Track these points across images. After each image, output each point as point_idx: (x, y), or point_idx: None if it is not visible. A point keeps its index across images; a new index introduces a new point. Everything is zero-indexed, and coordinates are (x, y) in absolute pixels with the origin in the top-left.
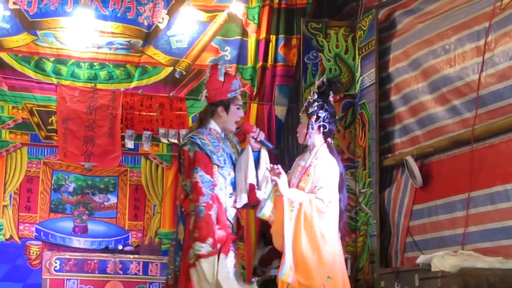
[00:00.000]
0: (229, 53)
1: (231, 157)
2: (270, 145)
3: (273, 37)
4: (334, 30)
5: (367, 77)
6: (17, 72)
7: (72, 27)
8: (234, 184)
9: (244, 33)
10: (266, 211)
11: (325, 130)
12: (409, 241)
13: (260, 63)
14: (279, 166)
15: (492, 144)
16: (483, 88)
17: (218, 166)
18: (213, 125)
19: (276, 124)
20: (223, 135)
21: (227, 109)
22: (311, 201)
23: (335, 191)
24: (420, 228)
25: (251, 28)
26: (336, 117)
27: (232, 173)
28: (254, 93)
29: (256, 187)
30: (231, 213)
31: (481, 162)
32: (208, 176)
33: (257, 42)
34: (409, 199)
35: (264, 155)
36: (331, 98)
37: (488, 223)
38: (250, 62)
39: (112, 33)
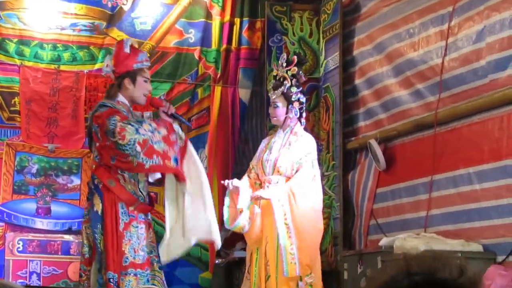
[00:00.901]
0: (193, 35)
1: None
2: (182, 119)
3: (237, 20)
4: (298, 13)
5: (331, 60)
6: None
7: (35, 8)
8: None
9: (209, 15)
10: (241, 221)
11: (302, 112)
12: (372, 223)
13: (224, 46)
14: (250, 192)
15: (455, 127)
16: (447, 72)
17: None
18: (120, 98)
19: (240, 106)
20: (131, 109)
21: (134, 80)
22: (294, 186)
23: (317, 165)
24: (383, 211)
25: (216, 11)
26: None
27: None
28: (218, 76)
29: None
30: (143, 186)
31: (444, 146)
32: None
33: (221, 24)
34: (373, 182)
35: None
36: (303, 78)
37: (450, 206)
38: (214, 45)
39: (76, 14)
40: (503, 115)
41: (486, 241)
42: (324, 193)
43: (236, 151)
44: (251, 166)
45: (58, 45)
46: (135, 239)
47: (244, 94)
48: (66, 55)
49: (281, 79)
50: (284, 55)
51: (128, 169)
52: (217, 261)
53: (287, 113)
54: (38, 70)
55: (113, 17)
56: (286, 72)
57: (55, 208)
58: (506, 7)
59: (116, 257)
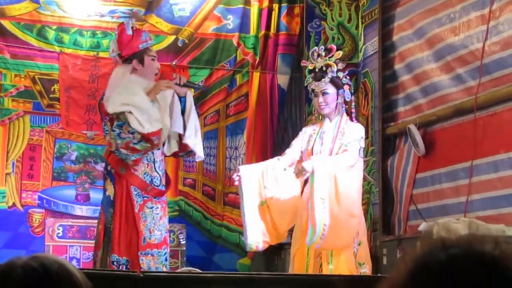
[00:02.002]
0: (231, 21)
1: None
2: (196, 84)
3: (275, 6)
4: None
5: (370, 45)
6: (19, 40)
7: None
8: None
9: (247, 1)
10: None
11: (348, 99)
12: (412, 209)
13: (262, 32)
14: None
15: (495, 112)
16: (487, 56)
17: None
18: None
19: (279, 93)
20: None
21: (141, 61)
22: (340, 159)
23: (361, 154)
24: (423, 196)
25: None
26: None
27: None
28: (257, 62)
29: (183, 135)
30: (159, 165)
31: (484, 130)
32: None
33: (260, 10)
34: (412, 167)
35: (190, 100)
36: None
37: (490, 191)
38: (252, 31)
39: (114, 1)
40: None
41: None
42: (364, 178)
43: (275, 138)
44: (288, 152)
45: (97, 32)
46: (150, 220)
47: (282, 80)
48: (105, 42)
49: (323, 68)
50: (316, 48)
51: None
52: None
53: (337, 99)
54: (77, 57)
55: (152, 3)
56: (329, 59)
57: (94, 195)
58: None
59: (129, 240)
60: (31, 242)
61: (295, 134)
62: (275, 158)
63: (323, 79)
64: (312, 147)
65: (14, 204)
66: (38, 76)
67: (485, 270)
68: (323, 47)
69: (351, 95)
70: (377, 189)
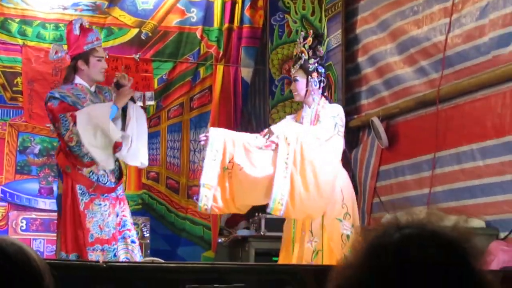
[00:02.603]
0: (195, 14)
1: None
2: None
3: None
4: None
5: (334, 38)
6: None
7: None
8: None
9: None
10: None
11: (323, 85)
12: (375, 201)
13: (226, 25)
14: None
15: (458, 104)
16: (450, 49)
17: None
18: (78, 80)
19: (243, 86)
20: (93, 89)
21: (87, 61)
22: (310, 128)
23: (340, 133)
24: (386, 189)
25: None
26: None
27: None
28: (220, 55)
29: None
30: None
31: (446, 123)
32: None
33: (223, 3)
34: (376, 159)
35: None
36: (321, 52)
37: (453, 182)
38: (216, 24)
39: None
40: (506, 91)
41: (489, 217)
42: None
43: (238, 131)
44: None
45: (60, 24)
46: (99, 216)
47: (246, 73)
48: None
49: (299, 55)
50: (302, 33)
51: (80, 164)
52: (220, 240)
53: (307, 86)
54: (40, 50)
55: None
56: (303, 46)
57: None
58: None
59: (75, 237)
60: None
61: (258, 127)
62: (254, 135)
63: (294, 66)
64: None
65: None
66: (1, 69)
67: (440, 249)
68: (303, 33)
69: (318, 84)
70: None
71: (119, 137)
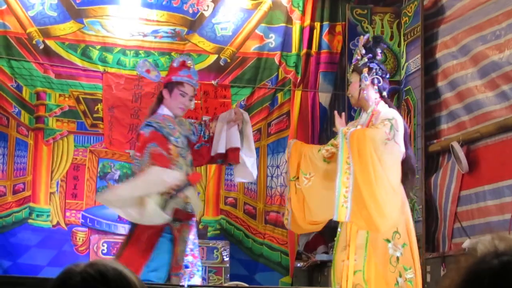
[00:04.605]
0: (273, 40)
1: (188, 139)
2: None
3: (317, 24)
4: (379, 16)
5: (413, 63)
6: (64, 60)
7: (118, 15)
8: (192, 164)
9: (289, 20)
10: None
11: (379, 84)
12: (456, 226)
13: (304, 50)
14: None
15: None
16: None
17: (176, 146)
18: (164, 110)
19: (320, 111)
20: (177, 120)
21: (170, 91)
22: (370, 129)
23: (399, 136)
24: (467, 214)
25: (296, 15)
26: (388, 76)
27: (190, 156)
28: (298, 80)
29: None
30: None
31: None
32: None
33: (302, 29)
34: (456, 184)
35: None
36: (379, 55)
37: None
38: (294, 49)
39: (158, 21)
40: None
41: None
42: (407, 195)
43: None
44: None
45: (140, 51)
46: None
47: (324, 98)
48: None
49: (358, 59)
50: (367, 36)
51: None
52: (298, 265)
53: (360, 86)
54: (121, 77)
55: (194, 23)
56: (357, 48)
57: None
58: None
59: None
60: (75, 260)
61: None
62: (318, 146)
63: (349, 70)
64: None
65: (58, 223)
66: (82, 96)
67: None
68: (368, 36)
69: (373, 80)
70: (420, 206)
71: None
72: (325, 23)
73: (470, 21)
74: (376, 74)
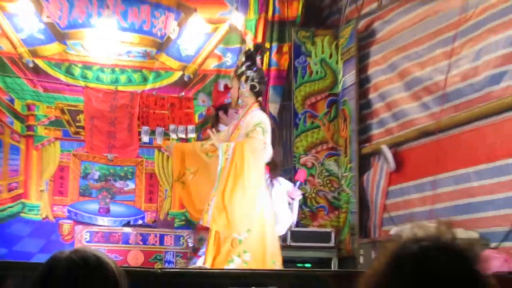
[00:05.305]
0: (230, 59)
1: None
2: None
3: (267, 45)
4: (320, 38)
5: (348, 78)
6: (50, 76)
7: (96, 37)
8: None
9: (243, 41)
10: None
11: (255, 90)
12: (385, 216)
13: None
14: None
15: (454, 134)
16: (449, 87)
17: None
18: (222, 128)
19: (270, 119)
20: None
21: (226, 112)
22: (246, 142)
23: (268, 136)
24: (394, 206)
25: (249, 37)
26: (265, 79)
27: None
28: None
29: None
30: None
31: (445, 150)
32: None
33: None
34: (385, 181)
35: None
36: (258, 62)
37: (451, 200)
38: None
39: (131, 42)
40: (497, 123)
41: (482, 230)
42: (343, 191)
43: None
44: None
45: (116, 69)
46: None
47: (273, 108)
48: (123, 78)
49: (239, 66)
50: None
51: None
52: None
53: (238, 90)
54: (99, 91)
55: (162, 44)
56: (241, 56)
57: (113, 208)
58: (500, 30)
59: None
60: (61, 248)
61: (285, 155)
62: (199, 142)
63: (231, 75)
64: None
65: (47, 216)
66: (66, 108)
67: (451, 259)
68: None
69: (246, 86)
70: (354, 200)
71: None
72: (274, 44)
73: (397, 43)
74: (253, 81)
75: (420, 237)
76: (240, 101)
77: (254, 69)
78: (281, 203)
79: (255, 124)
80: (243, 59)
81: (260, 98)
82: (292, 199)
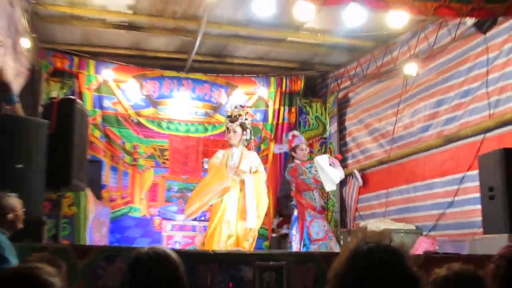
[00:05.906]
0: (258, 116)
1: None
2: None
3: (282, 108)
4: (315, 103)
5: (332, 128)
6: (147, 128)
7: (176, 104)
8: None
9: (267, 105)
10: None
11: (248, 138)
12: (357, 214)
13: (275, 122)
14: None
15: (400, 163)
16: (396, 134)
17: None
18: (296, 161)
19: (285, 155)
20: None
21: (295, 151)
22: (259, 175)
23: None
24: (362, 208)
25: (270, 102)
26: (252, 131)
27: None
28: (272, 137)
29: None
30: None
31: (394, 173)
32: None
33: (274, 110)
34: (356, 192)
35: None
36: (254, 115)
37: (398, 205)
38: (270, 121)
39: (197, 107)
40: (426, 156)
41: (417, 224)
42: (330, 199)
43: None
44: (209, 166)
45: (188, 123)
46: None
47: (286, 147)
48: (192, 128)
49: (237, 116)
50: (236, 104)
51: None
52: (273, 235)
53: (242, 136)
54: (178, 137)
55: (216, 107)
56: (241, 111)
57: None
58: (426, 99)
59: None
60: (154, 234)
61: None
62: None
63: (235, 122)
64: (226, 162)
65: (145, 215)
66: (157, 147)
67: (388, 256)
68: (239, 105)
69: (249, 135)
70: (337, 204)
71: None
72: (286, 107)
73: (363, 106)
74: (248, 132)
75: (368, 239)
76: (242, 144)
77: (250, 120)
78: (328, 167)
79: (258, 163)
80: (247, 115)
81: (252, 142)
82: (333, 163)
